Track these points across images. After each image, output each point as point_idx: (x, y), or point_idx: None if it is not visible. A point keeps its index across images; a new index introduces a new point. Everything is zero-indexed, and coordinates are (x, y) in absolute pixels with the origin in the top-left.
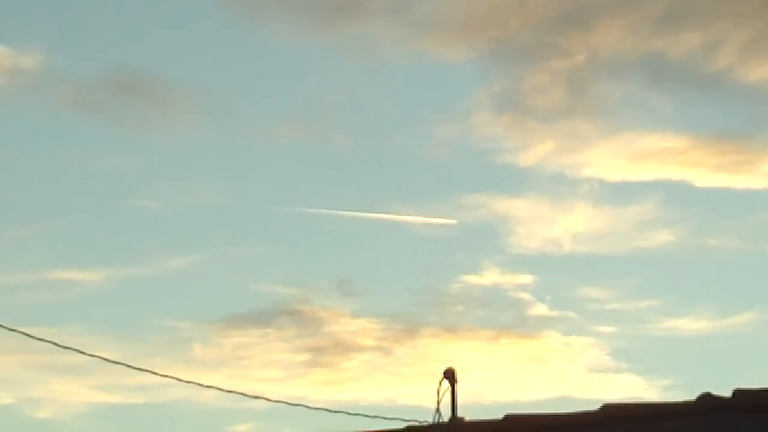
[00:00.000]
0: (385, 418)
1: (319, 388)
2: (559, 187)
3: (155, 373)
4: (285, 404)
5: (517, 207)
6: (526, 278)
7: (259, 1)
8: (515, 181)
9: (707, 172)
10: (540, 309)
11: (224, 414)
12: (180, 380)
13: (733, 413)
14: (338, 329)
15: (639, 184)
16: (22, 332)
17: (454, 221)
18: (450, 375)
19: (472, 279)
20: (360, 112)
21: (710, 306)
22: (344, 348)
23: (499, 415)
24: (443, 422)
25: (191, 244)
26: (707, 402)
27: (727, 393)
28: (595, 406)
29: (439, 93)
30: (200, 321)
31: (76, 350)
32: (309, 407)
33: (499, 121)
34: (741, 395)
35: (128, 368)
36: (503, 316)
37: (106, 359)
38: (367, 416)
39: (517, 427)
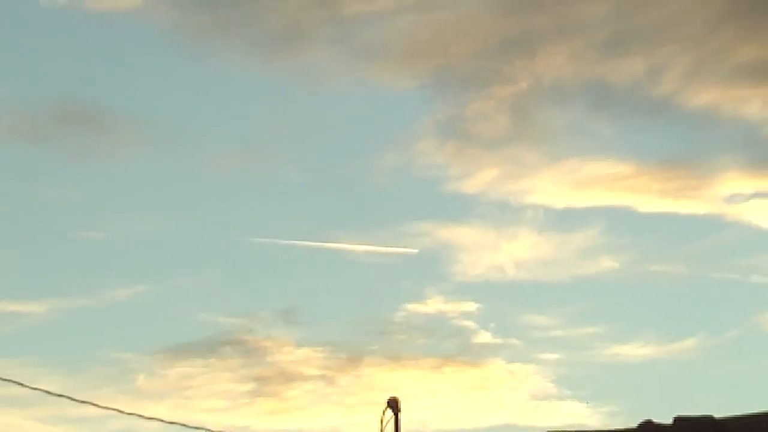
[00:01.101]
0: None
1: (263, 417)
2: (504, 214)
3: (98, 405)
4: None
5: (461, 235)
6: (470, 306)
7: (205, 31)
8: (459, 208)
9: (652, 198)
10: (484, 337)
11: None
12: (123, 412)
13: None
14: (282, 359)
15: (583, 211)
16: None
17: (399, 249)
18: (394, 404)
19: (416, 307)
20: (305, 141)
21: (654, 332)
22: (288, 377)
23: None
24: None
25: (136, 275)
26: (648, 429)
27: (669, 419)
28: None
29: (383, 121)
30: (144, 352)
31: (17, 383)
32: None
33: (443, 148)
34: (681, 423)
35: (71, 400)
36: (447, 344)
37: (48, 392)
38: None
39: None
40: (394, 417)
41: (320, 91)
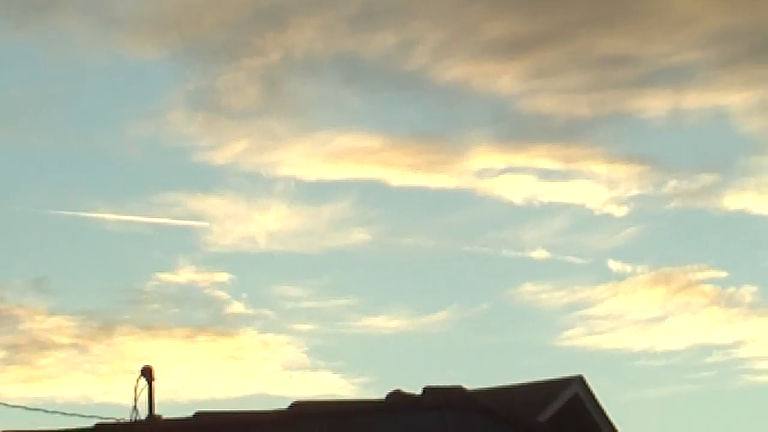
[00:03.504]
0: (82, 416)
1: (15, 385)
2: (255, 185)
3: None
4: None
5: (212, 205)
6: (222, 276)
7: None
8: (210, 179)
9: (402, 171)
10: (236, 307)
11: None
12: None
13: (422, 410)
14: (34, 327)
15: (334, 183)
16: None
17: (150, 219)
18: (147, 373)
19: (167, 277)
20: (54, 109)
21: (405, 304)
22: (40, 345)
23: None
24: (140, 420)
25: None
26: (396, 400)
27: (420, 391)
28: (288, 404)
29: (133, 91)
30: None
31: None
32: (5, 405)
33: (193, 119)
34: (431, 393)
35: None
36: (200, 314)
37: None
38: (64, 414)
39: (206, 426)
40: (147, 386)
41: (71, 60)
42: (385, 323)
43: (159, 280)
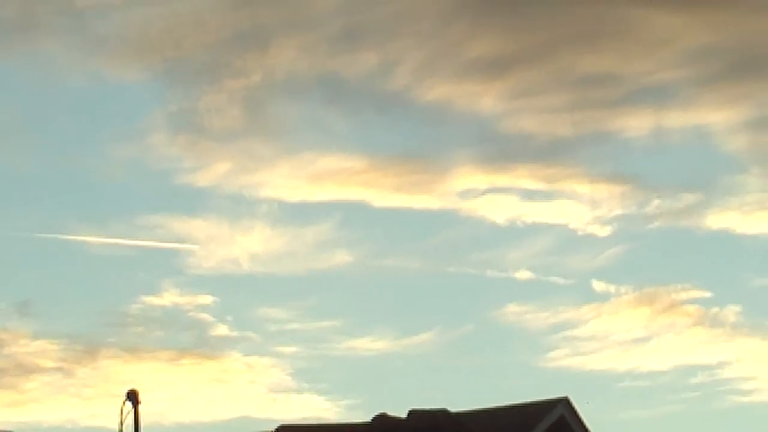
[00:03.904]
0: None
1: (0, 410)
2: (238, 207)
3: None
4: None
5: (195, 227)
6: (206, 299)
7: None
8: (193, 201)
9: (386, 192)
10: (221, 329)
11: None
12: None
13: None
14: (18, 351)
15: (317, 205)
16: None
17: (134, 242)
18: (133, 396)
19: (152, 300)
20: (37, 132)
21: (390, 326)
22: (25, 369)
23: None
24: None
25: None
26: (382, 422)
27: (405, 412)
28: (274, 427)
29: (116, 113)
30: None
31: None
32: None
33: (176, 141)
34: (416, 416)
35: None
36: (184, 337)
37: None
38: None
39: None
40: (133, 410)
41: (53, 82)
42: (369, 345)
43: (143, 303)
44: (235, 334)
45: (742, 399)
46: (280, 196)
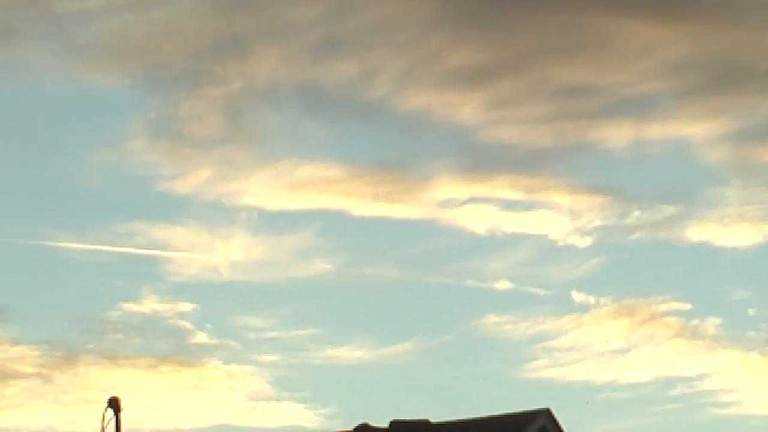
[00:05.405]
0: None
1: None
2: (218, 215)
3: None
4: None
5: (175, 235)
6: (186, 306)
7: None
8: (173, 208)
9: (365, 201)
10: (200, 337)
11: None
12: None
13: None
14: None
15: (297, 213)
16: None
17: (113, 248)
18: (115, 403)
19: (131, 307)
20: (16, 138)
21: (369, 335)
22: (4, 375)
23: None
24: None
25: None
26: None
27: (385, 422)
28: None
29: (95, 119)
30: None
31: None
32: None
33: (155, 148)
34: (397, 426)
35: None
36: (164, 344)
37: None
38: None
39: None
40: (114, 417)
41: (31, 89)
42: (348, 354)
43: (122, 310)
44: (214, 341)
45: (722, 411)
46: (260, 204)
